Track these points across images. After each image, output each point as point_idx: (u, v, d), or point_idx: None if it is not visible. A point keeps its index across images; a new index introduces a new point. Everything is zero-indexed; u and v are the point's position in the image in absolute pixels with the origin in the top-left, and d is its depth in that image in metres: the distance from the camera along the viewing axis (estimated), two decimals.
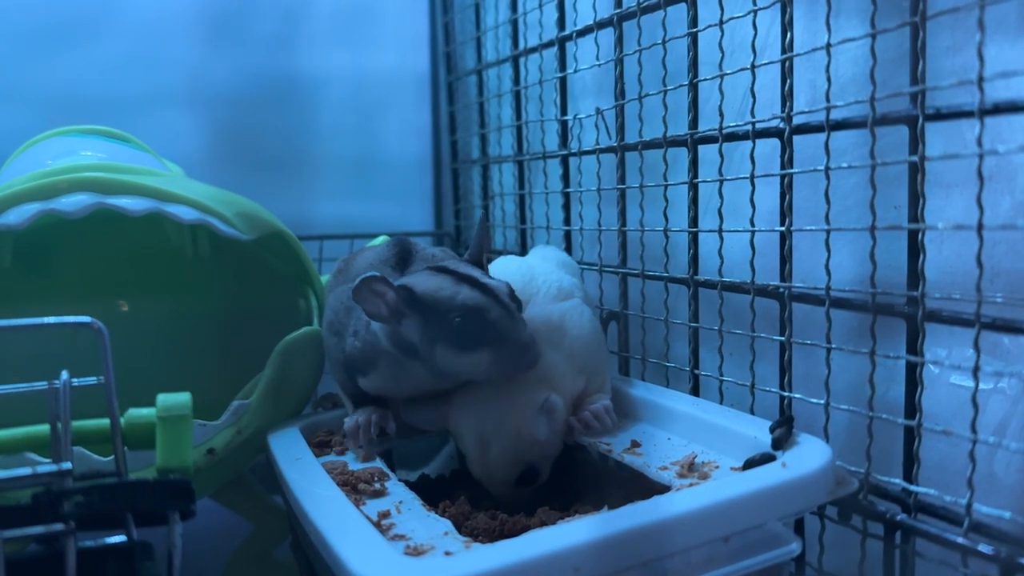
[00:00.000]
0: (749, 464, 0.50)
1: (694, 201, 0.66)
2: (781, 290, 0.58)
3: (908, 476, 0.50)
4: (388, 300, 0.56)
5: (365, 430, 0.60)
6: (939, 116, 0.47)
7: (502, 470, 0.58)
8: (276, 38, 1.08)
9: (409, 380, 0.59)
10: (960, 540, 0.46)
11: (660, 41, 0.66)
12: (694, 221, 0.66)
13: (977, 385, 0.45)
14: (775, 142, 0.57)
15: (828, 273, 0.53)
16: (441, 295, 0.56)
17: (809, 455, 0.48)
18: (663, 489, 0.50)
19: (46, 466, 0.38)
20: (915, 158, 0.48)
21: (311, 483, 0.53)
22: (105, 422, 0.43)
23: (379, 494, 0.53)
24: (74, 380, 0.41)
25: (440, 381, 0.59)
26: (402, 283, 0.57)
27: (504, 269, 0.65)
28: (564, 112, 0.83)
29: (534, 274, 0.66)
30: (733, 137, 0.61)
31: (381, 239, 0.77)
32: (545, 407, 0.56)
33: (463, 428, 0.59)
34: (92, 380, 0.42)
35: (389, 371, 0.59)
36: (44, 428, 0.42)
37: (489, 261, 0.62)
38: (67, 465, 0.38)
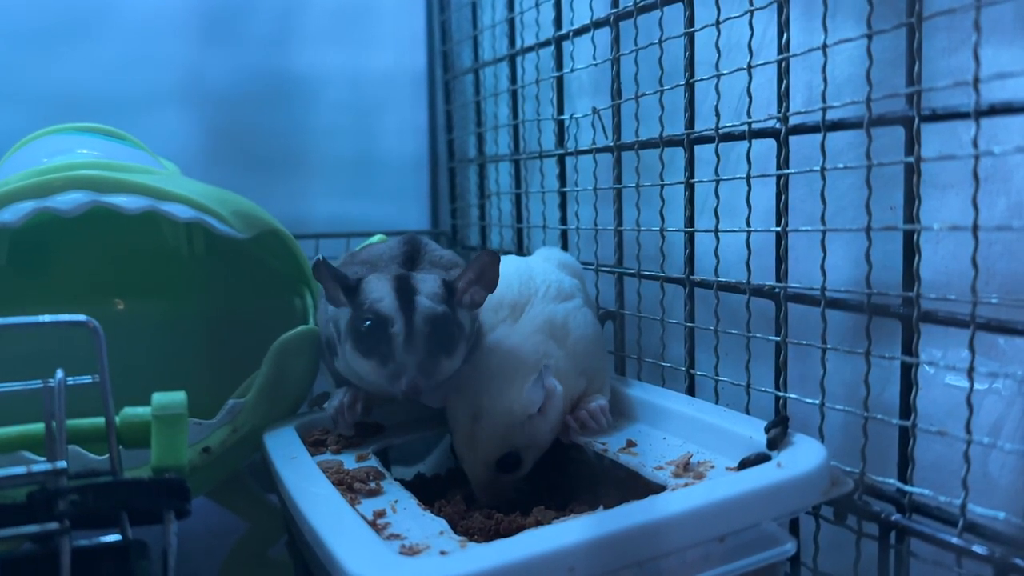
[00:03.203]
0: (744, 464, 0.50)
1: (690, 201, 0.66)
2: (777, 290, 0.58)
3: (903, 476, 0.50)
4: (340, 285, 0.58)
5: (340, 411, 0.62)
6: (935, 117, 0.47)
7: (487, 447, 0.57)
8: (272, 37, 1.08)
9: (345, 370, 0.62)
10: (955, 540, 0.46)
11: (657, 41, 0.66)
12: (690, 221, 0.66)
13: (972, 386, 0.45)
14: (771, 142, 0.57)
15: (824, 273, 0.54)
16: (370, 295, 0.57)
17: (804, 455, 0.48)
18: (658, 489, 0.50)
19: (41, 465, 0.38)
20: (911, 159, 0.48)
21: (306, 482, 0.53)
22: (100, 421, 0.43)
23: (374, 493, 0.53)
24: (69, 379, 0.41)
25: (355, 378, 0.60)
26: (358, 276, 0.59)
27: (503, 269, 0.65)
28: (560, 111, 0.83)
29: (532, 274, 0.66)
30: (729, 137, 0.61)
31: (377, 238, 0.77)
32: (541, 379, 0.56)
33: (459, 399, 0.59)
34: (87, 379, 0.42)
35: (340, 358, 0.62)
36: (39, 427, 0.42)
37: (491, 288, 0.60)
38: (62, 464, 0.38)
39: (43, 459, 0.39)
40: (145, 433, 0.43)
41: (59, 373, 0.40)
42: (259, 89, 1.07)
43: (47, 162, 0.69)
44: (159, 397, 0.44)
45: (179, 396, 0.44)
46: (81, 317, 0.42)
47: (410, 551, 0.43)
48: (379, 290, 0.57)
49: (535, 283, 0.65)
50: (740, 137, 0.60)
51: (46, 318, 0.42)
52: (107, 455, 0.42)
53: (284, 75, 1.08)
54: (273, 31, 1.08)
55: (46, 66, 0.97)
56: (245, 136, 1.06)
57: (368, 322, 0.56)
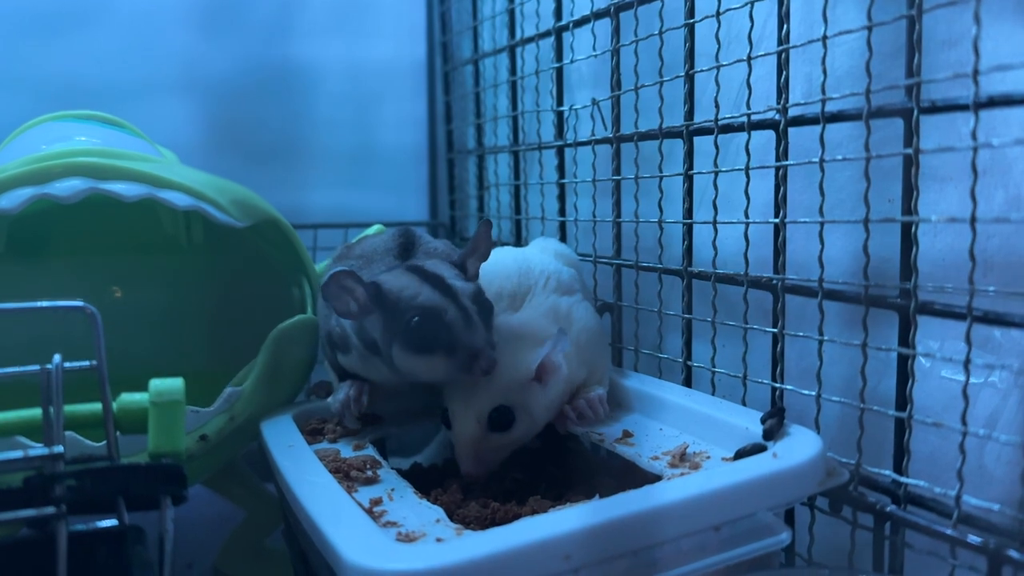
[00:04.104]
0: (740, 454, 0.50)
1: (689, 192, 0.66)
2: (774, 282, 0.58)
3: (898, 468, 0.51)
4: (357, 296, 0.56)
5: (346, 404, 0.62)
6: (934, 109, 0.47)
7: (484, 397, 0.57)
8: (272, 27, 1.08)
9: (377, 374, 0.61)
10: (949, 532, 0.46)
11: (657, 32, 0.66)
12: (689, 212, 0.66)
13: (968, 378, 0.45)
14: (770, 134, 0.57)
15: (821, 265, 0.54)
16: (403, 294, 0.56)
17: (800, 446, 0.49)
18: (654, 479, 0.50)
19: (38, 449, 0.38)
20: (910, 151, 0.48)
21: (303, 470, 0.53)
22: (97, 406, 0.43)
23: (371, 481, 0.53)
24: (67, 364, 0.41)
25: (401, 378, 0.59)
26: (372, 280, 0.57)
27: (500, 260, 0.65)
28: (560, 103, 0.83)
29: (531, 265, 0.66)
30: (728, 129, 0.61)
31: (375, 228, 0.77)
32: (558, 340, 0.57)
33: None
34: (85, 364, 0.42)
35: (360, 362, 0.61)
36: (36, 412, 0.42)
37: (485, 257, 0.61)
38: (59, 449, 0.38)
39: (40, 444, 0.39)
40: (142, 419, 0.43)
41: (56, 358, 0.40)
42: (258, 79, 1.07)
43: (46, 149, 0.69)
44: (156, 383, 0.44)
45: (177, 382, 0.44)
46: (78, 303, 0.42)
47: (407, 538, 0.44)
48: (409, 287, 0.56)
49: (534, 274, 0.65)
50: (739, 129, 0.60)
51: (44, 303, 0.42)
52: (104, 441, 0.43)
53: (283, 65, 1.08)
54: (273, 21, 1.08)
55: (46, 53, 0.97)
56: (244, 125, 1.06)
57: (416, 318, 0.54)
